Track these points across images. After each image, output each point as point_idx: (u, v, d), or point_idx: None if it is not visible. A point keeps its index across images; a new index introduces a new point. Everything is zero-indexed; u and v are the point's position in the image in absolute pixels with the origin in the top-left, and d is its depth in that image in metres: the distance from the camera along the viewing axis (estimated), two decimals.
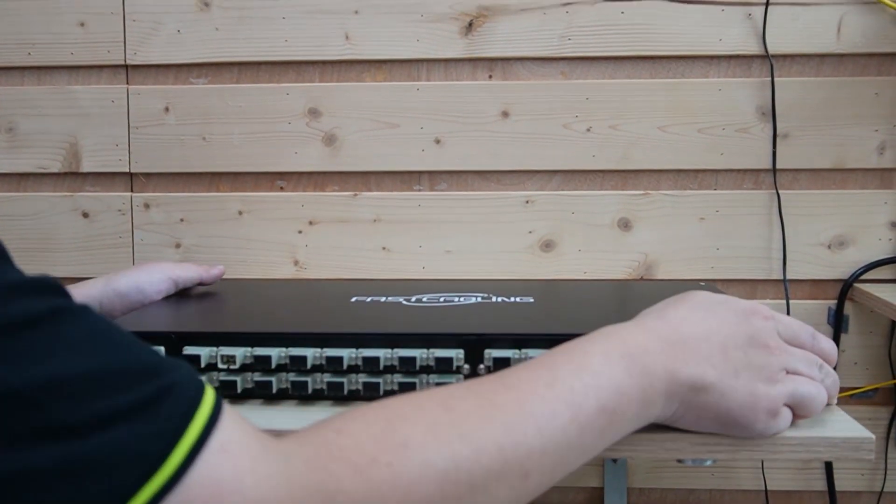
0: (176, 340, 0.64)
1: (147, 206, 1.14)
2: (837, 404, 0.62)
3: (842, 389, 1.11)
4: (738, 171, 1.09)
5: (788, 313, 1.08)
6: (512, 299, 0.81)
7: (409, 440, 0.41)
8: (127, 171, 1.13)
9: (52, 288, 0.37)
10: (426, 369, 0.62)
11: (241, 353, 0.63)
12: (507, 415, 0.45)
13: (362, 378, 0.62)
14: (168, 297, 0.86)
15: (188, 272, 0.90)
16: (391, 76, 1.10)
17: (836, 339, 1.10)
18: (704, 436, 0.56)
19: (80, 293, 0.81)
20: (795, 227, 1.09)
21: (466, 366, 0.63)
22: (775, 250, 1.09)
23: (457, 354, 0.62)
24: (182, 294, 0.89)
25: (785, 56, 1.07)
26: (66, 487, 0.32)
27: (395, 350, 0.62)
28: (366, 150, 1.11)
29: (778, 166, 1.08)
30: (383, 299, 0.81)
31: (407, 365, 0.62)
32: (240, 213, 1.13)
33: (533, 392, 0.46)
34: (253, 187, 1.13)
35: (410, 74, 1.10)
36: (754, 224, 1.09)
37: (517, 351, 0.62)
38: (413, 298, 0.81)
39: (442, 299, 0.81)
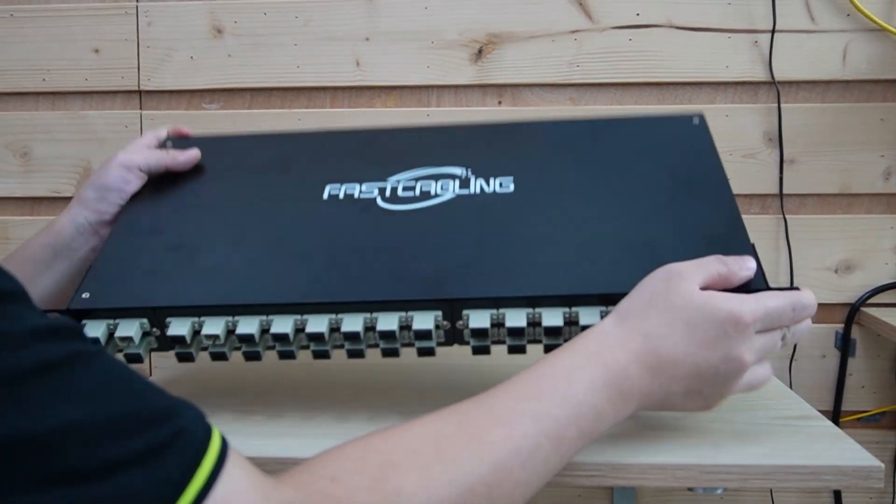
0: (156, 315, 0.64)
1: None
2: (845, 430, 0.62)
3: (849, 413, 1.12)
4: (746, 195, 1.10)
5: None
6: (492, 188, 0.71)
7: (401, 490, 0.43)
8: None
9: (69, 331, 0.38)
10: (406, 328, 0.62)
11: (223, 330, 0.62)
12: (496, 453, 0.47)
13: (346, 346, 0.62)
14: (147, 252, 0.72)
15: (152, 160, 0.78)
16: (402, 101, 1.12)
17: (844, 363, 1.10)
18: (716, 464, 0.56)
19: (66, 224, 0.76)
20: (802, 251, 1.09)
21: (446, 322, 0.62)
22: (783, 274, 1.10)
23: (435, 316, 0.61)
24: (161, 243, 0.72)
25: (791, 82, 1.08)
26: None
27: (374, 316, 0.62)
28: None
29: (785, 191, 1.09)
30: (357, 193, 0.73)
31: (386, 336, 0.61)
32: None
33: (521, 427, 0.49)
34: None
35: (421, 100, 1.12)
36: (761, 248, 1.10)
37: (495, 312, 0.61)
38: (388, 191, 0.72)
39: (419, 190, 0.72)
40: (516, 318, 0.60)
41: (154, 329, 0.64)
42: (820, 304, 1.10)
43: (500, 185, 0.71)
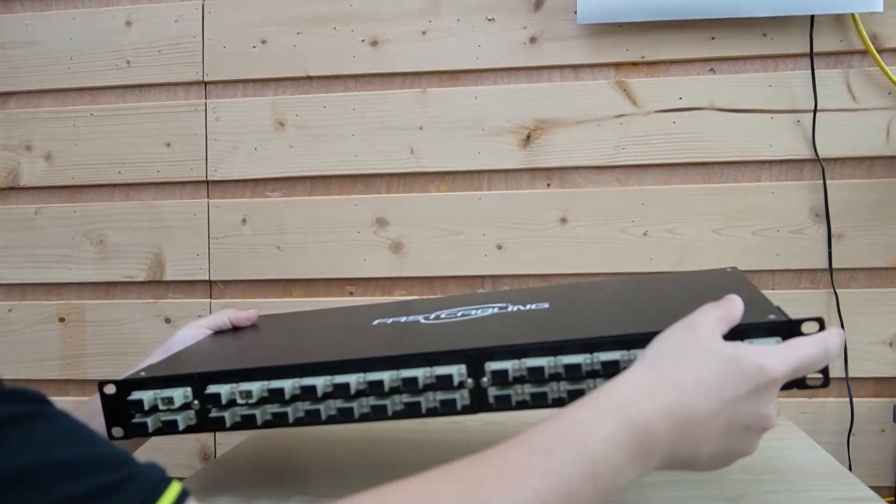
0: (199, 380, 0.67)
1: None
2: None
3: None
4: (795, 271, 1.11)
5: (853, 412, 1.09)
6: (528, 307, 0.76)
7: None
8: (206, 278, 1.21)
9: (34, 396, 0.41)
10: (430, 387, 0.63)
11: (257, 388, 0.65)
12: None
13: (371, 401, 0.64)
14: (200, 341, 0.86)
15: (217, 319, 0.87)
16: (454, 186, 1.17)
17: None
18: None
19: None
20: (855, 325, 1.10)
21: (470, 380, 0.62)
22: None
23: (458, 370, 0.61)
24: (215, 337, 0.87)
25: (835, 159, 1.10)
26: None
27: (400, 371, 0.63)
28: (431, 256, 1.16)
29: (834, 266, 1.10)
30: (403, 319, 0.79)
31: (410, 385, 0.62)
32: None
33: (527, 486, 0.46)
34: (324, 293, 1.19)
35: (472, 184, 1.16)
36: None
37: (517, 362, 0.61)
38: (432, 316, 0.79)
39: (459, 314, 0.78)
40: (537, 360, 0.61)
41: (195, 401, 0.67)
42: (875, 378, 1.10)
43: (536, 306, 0.77)
